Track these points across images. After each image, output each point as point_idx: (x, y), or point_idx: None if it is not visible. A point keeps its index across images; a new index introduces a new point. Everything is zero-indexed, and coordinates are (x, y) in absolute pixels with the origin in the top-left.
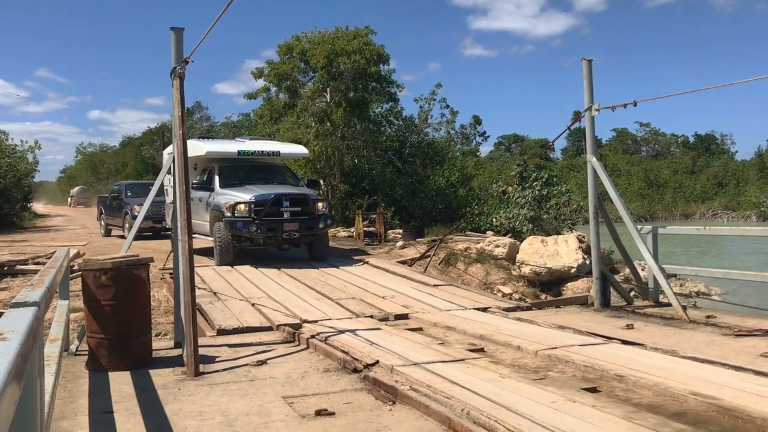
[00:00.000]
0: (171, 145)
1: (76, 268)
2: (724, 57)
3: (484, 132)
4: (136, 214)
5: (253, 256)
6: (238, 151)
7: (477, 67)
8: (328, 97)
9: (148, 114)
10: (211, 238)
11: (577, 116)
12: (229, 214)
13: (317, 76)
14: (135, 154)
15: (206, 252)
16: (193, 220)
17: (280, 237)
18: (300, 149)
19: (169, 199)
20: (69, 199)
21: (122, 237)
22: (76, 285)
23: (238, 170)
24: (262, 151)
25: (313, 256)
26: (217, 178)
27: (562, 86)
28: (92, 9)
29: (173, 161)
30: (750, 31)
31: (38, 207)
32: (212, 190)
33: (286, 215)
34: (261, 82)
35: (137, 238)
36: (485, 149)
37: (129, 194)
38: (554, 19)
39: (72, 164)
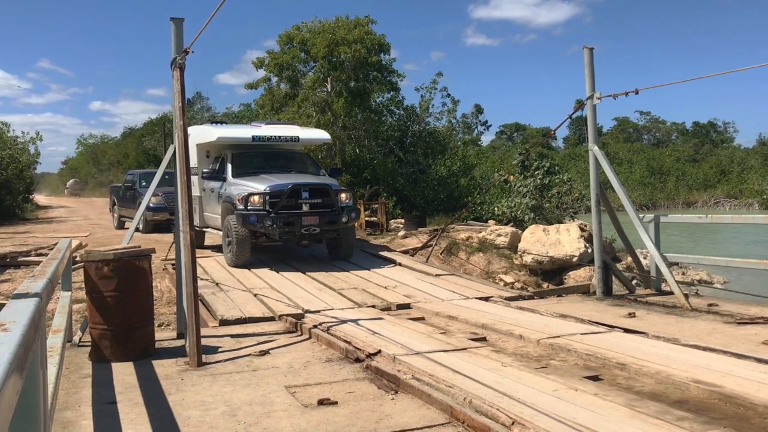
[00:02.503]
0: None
1: (78, 259)
2: (726, 45)
3: (486, 121)
4: (151, 205)
5: (258, 252)
6: (253, 136)
7: (479, 56)
8: (328, 86)
9: (150, 105)
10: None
11: (579, 105)
12: (241, 207)
13: (318, 65)
14: (136, 145)
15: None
16: (205, 213)
17: (298, 232)
18: (321, 134)
19: None
20: (65, 191)
21: (136, 230)
22: (78, 276)
23: (253, 158)
24: (280, 137)
25: (335, 255)
26: (229, 167)
27: (564, 75)
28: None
29: (174, 151)
30: (752, 19)
31: (40, 198)
32: (224, 179)
33: (305, 207)
34: (262, 72)
35: (149, 230)
36: (487, 138)
37: (143, 184)
38: (556, 8)
39: (73, 156)
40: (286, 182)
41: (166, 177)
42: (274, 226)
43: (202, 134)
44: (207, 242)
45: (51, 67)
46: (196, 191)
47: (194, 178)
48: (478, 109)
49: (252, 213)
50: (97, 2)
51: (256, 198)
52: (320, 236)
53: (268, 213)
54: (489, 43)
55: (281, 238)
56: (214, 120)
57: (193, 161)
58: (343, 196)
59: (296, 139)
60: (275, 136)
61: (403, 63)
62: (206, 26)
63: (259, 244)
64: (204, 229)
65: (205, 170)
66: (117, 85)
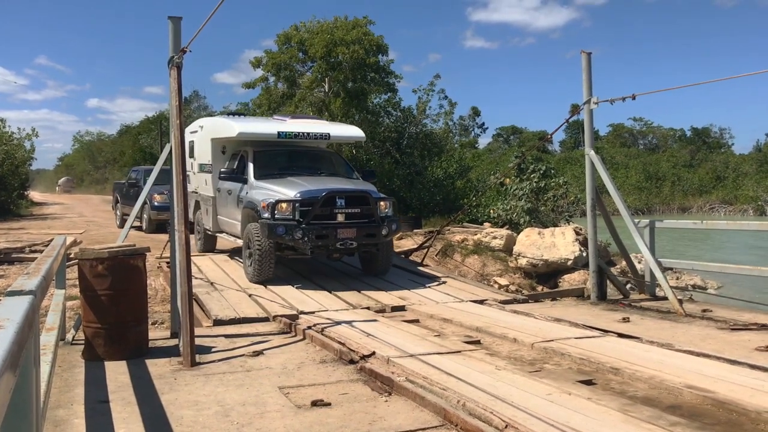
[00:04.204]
0: (193, 124)
1: (72, 256)
2: (724, 50)
3: (483, 123)
4: (156, 203)
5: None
6: (279, 132)
7: (478, 59)
8: (326, 87)
9: (148, 103)
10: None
11: (576, 109)
12: (267, 215)
13: (315, 66)
14: (132, 143)
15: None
16: (219, 216)
17: (332, 246)
18: (354, 131)
19: (191, 187)
20: (57, 188)
21: (139, 228)
22: (72, 273)
23: (278, 157)
24: (309, 134)
25: (369, 269)
26: (251, 167)
27: (562, 78)
28: None
29: (170, 150)
30: (750, 25)
31: (35, 195)
32: (245, 181)
33: (340, 218)
34: (259, 72)
35: (153, 230)
36: (484, 141)
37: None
38: (555, 12)
39: (69, 152)
40: (320, 188)
41: (171, 174)
42: (306, 239)
43: (218, 128)
44: (225, 246)
45: (48, 64)
46: (209, 191)
47: (208, 176)
48: (475, 112)
49: (280, 223)
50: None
51: (284, 205)
52: (356, 250)
53: (299, 223)
54: (487, 46)
55: (312, 253)
56: (231, 111)
57: (207, 157)
58: (382, 204)
59: (326, 137)
60: (303, 133)
61: (401, 64)
62: (204, 25)
63: (284, 257)
64: (218, 234)
65: (222, 170)
66: (114, 82)
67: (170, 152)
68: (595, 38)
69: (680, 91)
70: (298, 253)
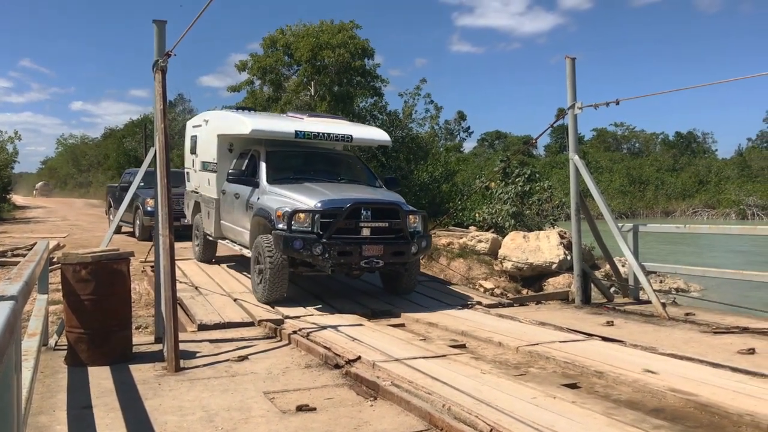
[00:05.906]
0: (196, 117)
1: (55, 260)
2: (708, 56)
3: (468, 128)
4: (149, 208)
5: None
6: (296, 131)
7: (464, 64)
8: (312, 90)
9: (132, 106)
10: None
11: (561, 113)
12: (282, 226)
13: (301, 69)
14: (117, 146)
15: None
16: (223, 222)
17: (356, 264)
18: (379, 134)
19: (191, 185)
20: (34, 192)
21: (132, 235)
22: (55, 277)
23: (293, 159)
24: (329, 134)
25: (392, 288)
26: (263, 169)
27: (547, 83)
28: None
29: (155, 154)
30: (733, 31)
31: (18, 198)
32: (256, 185)
33: (365, 232)
34: (245, 75)
35: (147, 236)
36: (469, 145)
37: (142, 185)
38: (540, 18)
39: (53, 156)
40: (343, 197)
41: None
42: (326, 255)
43: (227, 123)
44: (219, 253)
45: (32, 66)
46: (212, 192)
47: (211, 176)
48: (461, 116)
49: (297, 236)
50: (83, 3)
51: (303, 216)
52: (382, 269)
53: (319, 237)
54: (473, 51)
55: (332, 271)
56: (243, 106)
57: (212, 155)
58: (412, 218)
59: (348, 138)
60: (323, 134)
61: (388, 69)
62: (189, 29)
63: (298, 273)
64: (221, 241)
65: (231, 170)
66: (99, 85)
67: (155, 155)
68: (580, 43)
69: (664, 95)
70: (315, 270)
